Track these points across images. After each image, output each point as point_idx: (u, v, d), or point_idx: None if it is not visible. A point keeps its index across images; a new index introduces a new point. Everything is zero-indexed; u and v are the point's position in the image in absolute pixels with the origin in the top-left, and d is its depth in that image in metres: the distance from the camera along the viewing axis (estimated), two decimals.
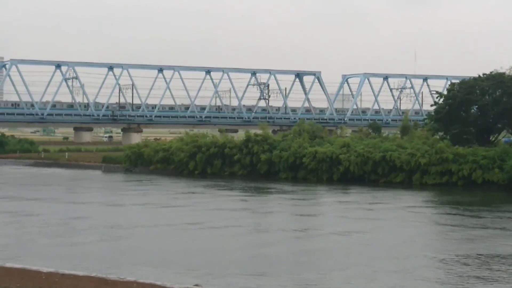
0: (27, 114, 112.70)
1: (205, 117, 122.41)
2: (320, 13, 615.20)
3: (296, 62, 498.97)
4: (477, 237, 37.61)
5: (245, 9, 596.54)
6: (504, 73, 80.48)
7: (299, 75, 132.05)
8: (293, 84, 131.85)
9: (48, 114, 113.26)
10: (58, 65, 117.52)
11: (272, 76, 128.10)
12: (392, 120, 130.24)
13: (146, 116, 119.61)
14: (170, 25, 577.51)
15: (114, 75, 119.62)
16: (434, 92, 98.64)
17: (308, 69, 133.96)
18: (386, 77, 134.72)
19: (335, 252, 33.06)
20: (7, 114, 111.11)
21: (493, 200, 59.24)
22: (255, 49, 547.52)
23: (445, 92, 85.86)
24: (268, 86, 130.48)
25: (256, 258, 31.11)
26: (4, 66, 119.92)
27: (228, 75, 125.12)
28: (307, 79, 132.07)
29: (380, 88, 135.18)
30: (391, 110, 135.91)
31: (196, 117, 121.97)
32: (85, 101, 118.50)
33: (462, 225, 42.49)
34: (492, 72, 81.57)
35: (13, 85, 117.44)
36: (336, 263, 30.00)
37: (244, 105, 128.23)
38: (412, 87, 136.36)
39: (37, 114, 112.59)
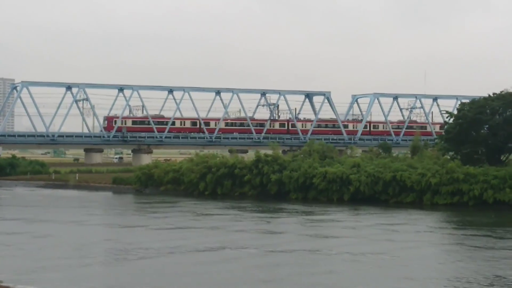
0: (37, 136, 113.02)
1: (215, 137, 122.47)
2: (329, 33, 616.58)
3: (305, 83, 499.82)
4: None
5: (254, 31, 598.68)
6: None
7: (308, 95, 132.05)
8: (303, 104, 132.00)
9: (58, 136, 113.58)
10: (68, 87, 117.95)
11: (282, 97, 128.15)
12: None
13: (156, 137, 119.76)
14: (179, 47, 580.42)
15: (125, 96, 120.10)
16: (444, 112, 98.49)
17: (318, 89, 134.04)
18: (396, 97, 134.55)
19: (369, 276, 32.53)
20: (18, 136, 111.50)
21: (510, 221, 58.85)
22: (265, 69, 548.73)
23: (455, 112, 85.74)
24: (278, 106, 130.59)
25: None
26: (15, 88, 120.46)
27: (238, 96, 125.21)
28: (317, 99, 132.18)
29: (390, 108, 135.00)
30: None
31: (206, 138, 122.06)
32: (96, 123, 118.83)
33: (492, 248, 42.11)
34: (503, 91, 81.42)
35: (24, 107, 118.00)
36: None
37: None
38: (422, 107, 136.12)
39: (47, 136, 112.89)
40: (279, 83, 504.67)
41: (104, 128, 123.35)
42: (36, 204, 73.31)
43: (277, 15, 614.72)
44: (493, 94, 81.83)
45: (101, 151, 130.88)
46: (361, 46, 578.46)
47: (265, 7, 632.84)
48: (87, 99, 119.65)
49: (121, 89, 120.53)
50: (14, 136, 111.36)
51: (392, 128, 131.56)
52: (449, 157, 78.83)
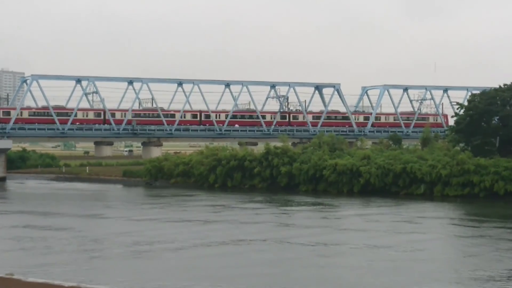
0: (48, 129, 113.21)
1: (225, 130, 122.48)
2: (338, 25, 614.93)
3: (315, 75, 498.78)
4: None
5: (262, 23, 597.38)
6: None
7: (318, 87, 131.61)
8: (312, 96, 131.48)
9: (68, 129, 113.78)
10: (78, 80, 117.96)
11: (291, 89, 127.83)
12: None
13: (165, 130, 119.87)
14: (188, 40, 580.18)
15: (134, 89, 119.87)
16: (455, 103, 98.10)
17: (327, 81, 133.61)
18: (406, 88, 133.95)
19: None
20: (28, 129, 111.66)
21: None
22: (274, 62, 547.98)
23: (466, 103, 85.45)
24: (287, 98, 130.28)
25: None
26: (25, 81, 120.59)
27: (248, 88, 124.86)
28: (327, 91, 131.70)
29: (400, 100, 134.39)
30: None
31: (216, 130, 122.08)
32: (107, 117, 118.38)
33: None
34: None
35: (34, 100, 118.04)
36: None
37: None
38: (432, 98, 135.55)
39: (58, 129, 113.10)
40: (289, 74, 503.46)
41: None
42: (49, 197, 73.56)
43: (284, 6, 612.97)
44: (504, 85, 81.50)
45: (111, 144, 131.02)
46: (371, 37, 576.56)
47: None
48: (96, 92, 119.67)
49: (130, 82, 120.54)
50: (24, 129, 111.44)
51: None
52: (459, 149, 78.60)
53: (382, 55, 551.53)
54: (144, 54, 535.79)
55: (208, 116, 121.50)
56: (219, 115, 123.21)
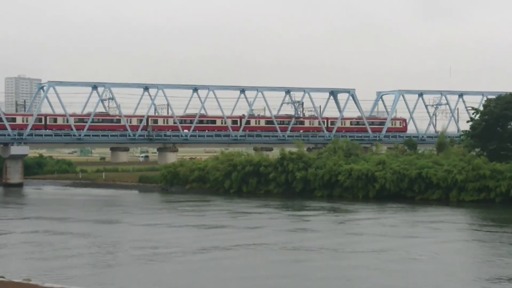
0: (64, 135, 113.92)
1: (240, 135, 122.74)
2: (351, 30, 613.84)
3: (329, 80, 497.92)
4: None
5: (274, 28, 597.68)
6: None
7: (333, 93, 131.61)
8: (327, 101, 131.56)
9: (85, 135, 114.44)
10: (94, 86, 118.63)
11: (306, 94, 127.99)
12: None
13: (181, 136, 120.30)
14: (204, 45, 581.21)
15: (150, 95, 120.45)
16: (470, 108, 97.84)
17: (342, 87, 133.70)
18: (421, 94, 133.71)
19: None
20: (45, 135, 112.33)
21: None
22: (288, 67, 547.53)
23: (481, 108, 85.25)
24: (302, 104, 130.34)
25: None
26: (42, 88, 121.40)
27: (262, 94, 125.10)
28: (342, 97, 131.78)
29: (415, 105, 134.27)
30: None
31: (231, 136, 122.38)
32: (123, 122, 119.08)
33: None
34: None
35: (51, 107, 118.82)
36: None
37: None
38: (447, 103, 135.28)
39: (74, 135, 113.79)
40: (304, 80, 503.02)
41: None
42: (66, 203, 74.07)
43: (296, 12, 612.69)
44: None
45: (127, 150, 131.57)
46: (385, 42, 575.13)
47: (286, 2, 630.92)
48: (112, 98, 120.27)
49: (146, 88, 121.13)
50: (41, 135, 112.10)
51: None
52: (475, 154, 78.40)
53: (396, 59, 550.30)
54: (157, 60, 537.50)
55: (155, 121, 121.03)
56: (167, 120, 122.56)
